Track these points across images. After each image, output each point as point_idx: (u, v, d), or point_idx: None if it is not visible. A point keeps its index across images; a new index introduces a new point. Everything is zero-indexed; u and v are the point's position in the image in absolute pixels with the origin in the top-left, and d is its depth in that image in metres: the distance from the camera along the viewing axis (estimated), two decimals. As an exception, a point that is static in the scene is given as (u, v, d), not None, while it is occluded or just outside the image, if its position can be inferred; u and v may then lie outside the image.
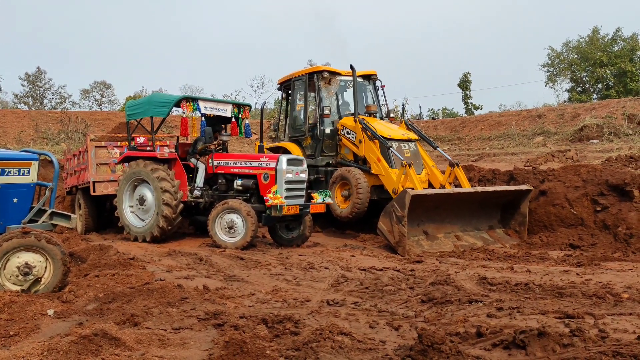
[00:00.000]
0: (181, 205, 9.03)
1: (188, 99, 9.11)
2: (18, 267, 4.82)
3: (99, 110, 45.53)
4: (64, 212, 5.87)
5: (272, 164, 8.52)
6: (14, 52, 79.27)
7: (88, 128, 23.03)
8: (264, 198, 8.32)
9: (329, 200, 8.97)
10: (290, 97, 11.63)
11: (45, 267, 4.97)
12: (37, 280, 4.94)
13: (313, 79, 10.76)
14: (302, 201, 8.73)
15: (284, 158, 8.57)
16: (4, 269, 4.80)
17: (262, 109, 10.86)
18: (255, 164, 8.80)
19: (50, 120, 24.35)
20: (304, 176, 8.86)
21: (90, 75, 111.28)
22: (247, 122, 9.97)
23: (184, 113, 9.05)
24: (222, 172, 9.16)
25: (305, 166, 8.94)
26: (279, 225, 8.93)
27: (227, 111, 9.60)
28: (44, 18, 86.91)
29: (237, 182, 8.91)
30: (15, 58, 79.32)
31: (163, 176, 8.91)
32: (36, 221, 5.55)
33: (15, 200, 5.43)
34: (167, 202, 8.80)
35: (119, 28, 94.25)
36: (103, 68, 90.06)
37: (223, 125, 10.17)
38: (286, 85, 11.63)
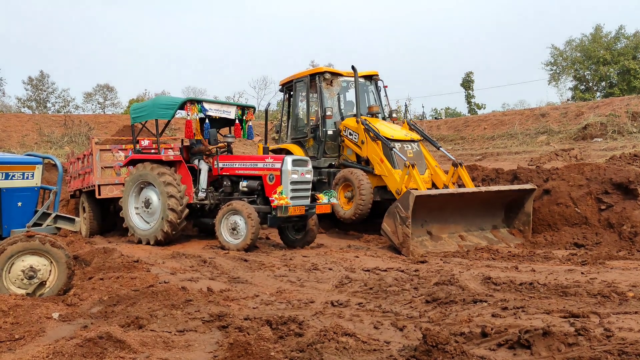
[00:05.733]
0: (187, 211, 8.98)
1: (192, 101, 9.12)
2: (23, 271, 4.85)
3: (102, 113, 45.62)
4: (68, 216, 5.89)
5: (278, 165, 8.52)
6: (17, 56, 79.64)
7: (92, 131, 23.08)
8: (270, 199, 8.33)
9: (334, 200, 8.97)
10: (292, 99, 11.63)
11: (50, 271, 4.99)
12: (42, 284, 4.96)
13: (315, 80, 10.76)
14: (307, 202, 8.73)
15: (289, 159, 8.57)
16: (9, 273, 4.83)
17: (266, 111, 10.85)
18: (260, 165, 8.80)
19: (53, 124, 24.42)
20: (309, 177, 8.85)
21: (93, 78, 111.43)
22: (250, 124, 9.96)
23: (188, 115, 9.06)
24: (228, 173, 9.16)
25: (310, 167, 8.91)
26: (287, 226, 8.94)
27: (231, 113, 9.60)
28: (46, 22, 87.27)
29: (243, 184, 8.91)
30: (19, 62, 79.60)
31: (169, 181, 8.88)
32: (40, 225, 5.56)
33: (19, 204, 5.46)
34: (172, 207, 8.76)
35: (122, 31, 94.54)
36: (106, 71, 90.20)
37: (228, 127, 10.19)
38: (288, 87, 11.63)
